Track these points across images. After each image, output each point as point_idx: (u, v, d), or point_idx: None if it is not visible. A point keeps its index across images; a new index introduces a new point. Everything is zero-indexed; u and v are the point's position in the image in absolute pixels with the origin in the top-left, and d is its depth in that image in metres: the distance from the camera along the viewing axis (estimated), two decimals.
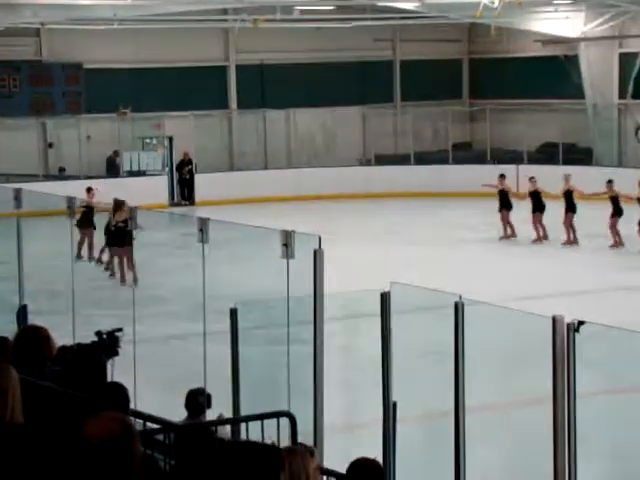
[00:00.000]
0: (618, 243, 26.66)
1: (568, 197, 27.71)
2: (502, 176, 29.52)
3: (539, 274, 23.57)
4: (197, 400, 9.42)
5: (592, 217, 26.90)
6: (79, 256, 22.48)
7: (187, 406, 9.54)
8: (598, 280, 22.97)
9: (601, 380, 13.91)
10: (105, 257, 23.63)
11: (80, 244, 23.25)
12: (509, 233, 28.60)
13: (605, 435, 12.90)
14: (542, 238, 27.97)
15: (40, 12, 29.20)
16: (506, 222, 28.58)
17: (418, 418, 11.36)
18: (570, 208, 27.61)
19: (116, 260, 22.58)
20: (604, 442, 12.82)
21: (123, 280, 22.11)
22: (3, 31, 33.32)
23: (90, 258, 23.87)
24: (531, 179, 28.85)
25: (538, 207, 28.11)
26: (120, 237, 21.55)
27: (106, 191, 25.08)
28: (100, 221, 23.35)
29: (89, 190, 24.83)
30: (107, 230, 22.71)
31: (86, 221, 23.30)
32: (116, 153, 36.44)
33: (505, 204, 28.68)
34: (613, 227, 26.64)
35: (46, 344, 6.73)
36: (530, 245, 27.82)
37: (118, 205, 21.89)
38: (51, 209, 14.27)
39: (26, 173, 32.93)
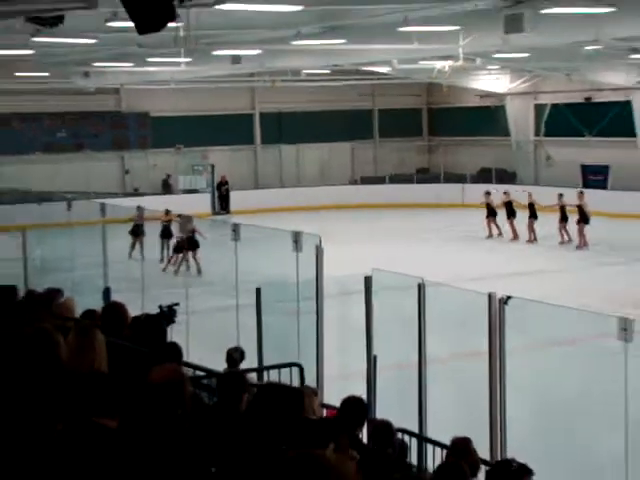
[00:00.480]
0: (566, 241, 26.42)
1: (531, 208, 27.30)
2: (488, 193, 29.06)
3: (486, 262, 23.57)
4: (232, 356, 9.37)
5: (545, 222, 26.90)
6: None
7: (227, 360, 9.51)
8: (529, 265, 22.96)
9: (523, 339, 13.84)
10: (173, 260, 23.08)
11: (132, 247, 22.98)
12: (497, 233, 28.30)
13: (527, 379, 12.85)
14: (515, 237, 27.59)
15: (119, 77, 29.24)
16: (491, 225, 28.32)
17: (392, 367, 11.30)
18: (532, 216, 27.26)
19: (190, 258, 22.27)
20: (527, 384, 12.77)
21: (176, 272, 21.85)
22: (93, 90, 33.43)
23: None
24: (505, 192, 28.50)
25: (511, 213, 27.87)
26: (191, 243, 21.72)
27: (164, 204, 25.06)
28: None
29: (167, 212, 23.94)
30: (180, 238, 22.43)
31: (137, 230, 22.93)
32: (168, 176, 36.44)
33: (491, 213, 28.40)
34: (562, 229, 26.45)
35: (123, 315, 6.72)
36: (491, 241, 27.70)
37: (187, 219, 21.80)
38: (127, 216, 14.24)
39: (109, 192, 32.97)
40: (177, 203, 28.33)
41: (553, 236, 26.86)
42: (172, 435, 4.14)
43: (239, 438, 4.43)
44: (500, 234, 28.09)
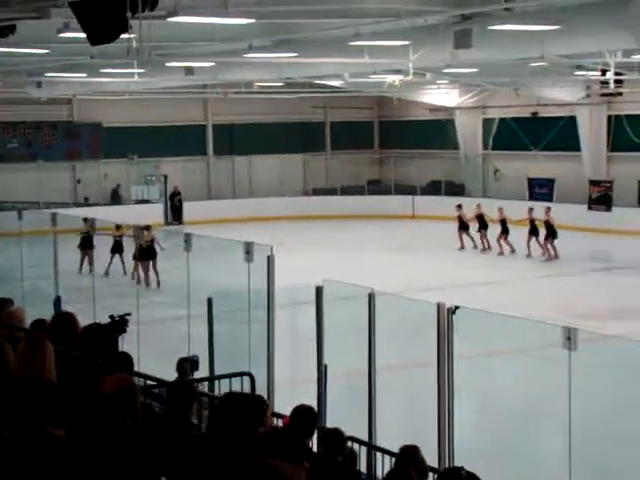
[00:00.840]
0: (532, 254, 26.30)
1: (503, 222, 27.18)
2: (459, 206, 28.95)
3: (437, 272, 23.66)
4: (182, 366, 9.31)
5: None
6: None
7: (177, 370, 9.44)
8: (481, 276, 23.07)
9: (470, 347, 13.94)
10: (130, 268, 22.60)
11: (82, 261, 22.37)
12: (472, 245, 28.03)
13: (475, 387, 12.94)
14: (487, 249, 27.57)
15: (72, 87, 28.99)
16: (462, 237, 28.18)
17: (343, 376, 11.32)
18: (504, 230, 27.19)
19: (141, 270, 21.80)
20: (475, 392, 12.86)
21: (148, 284, 21.47)
22: (45, 100, 33.14)
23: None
24: (477, 205, 28.50)
25: (483, 226, 27.77)
26: (148, 253, 21.36)
27: (114, 214, 24.84)
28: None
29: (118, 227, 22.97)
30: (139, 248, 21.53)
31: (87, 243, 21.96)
32: (118, 186, 36.19)
33: (463, 225, 28.33)
34: (529, 241, 26.36)
35: (73, 324, 6.64)
36: (444, 251, 27.92)
37: (146, 229, 21.37)
38: (77, 227, 14.11)
39: (61, 202, 32.66)
40: (128, 213, 28.15)
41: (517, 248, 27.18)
42: (122, 445, 4.10)
43: (192, 447, 4.40)
44: (475, 247, 27.89)
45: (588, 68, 25.53)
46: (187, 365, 9.27)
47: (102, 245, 21.74)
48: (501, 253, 27.06)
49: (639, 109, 31.22)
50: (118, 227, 22.69)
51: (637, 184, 31.33)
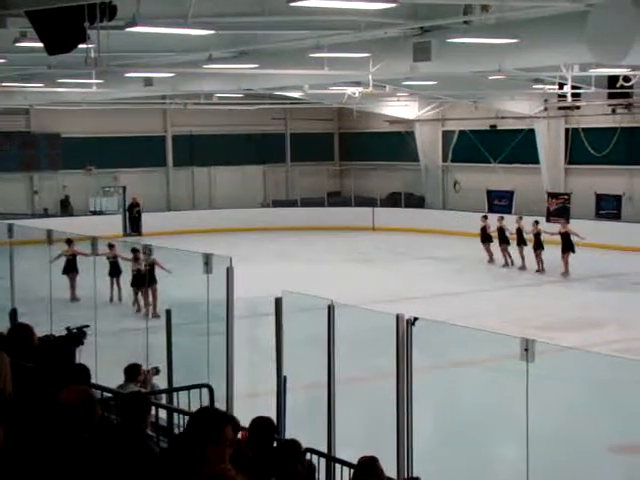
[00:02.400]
0: (540, 269, 25.62)
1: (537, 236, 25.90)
2: (485, 217, 28.05)
3: (395, 284, 23.74)
4: (128, 371, 9.31)
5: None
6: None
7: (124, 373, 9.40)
8: (443, 287, 23.15)
9: (429, 359, 14.04)
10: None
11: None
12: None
13: (433, 397, 13.01)
14: (508, 264, 26.66)
15: (29, 97, 28.75)
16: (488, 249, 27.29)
17: (302, 388, 11.33)
18: (504, 240, 26.71)
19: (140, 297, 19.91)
20: (432, 402, 12.93)
21: (147, 313, 18.97)
22: (2, 110, 32.87)
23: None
24: (499, 218, 27.24)
25: (504, 240, 26.82)
26: (143, 279, 19.26)
27: (64, 226, 24.03)
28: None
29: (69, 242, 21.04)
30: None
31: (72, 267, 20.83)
32: (67, 197, 35.94)
33: (486, 238, 27.26)
34: (538, 256, 25.52)
35: (30, 336, 6.60)
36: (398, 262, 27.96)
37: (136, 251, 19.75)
38: (35, 239, 13.97)
39: (18, 212, 32.37)
40: (84, 225, 27.96)
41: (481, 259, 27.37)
42: (81, 457, 4.09)
43: (148, 459, 4.40)
44: (490, 260, 27.28)
45: (546, 82, 25.83)
46: (131, 372, 9.24)
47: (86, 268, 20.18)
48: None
49: (596, 122, 31.66)
50: (111, 246, 20.72)
51: (594, 196, 31.72)
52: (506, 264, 26.85)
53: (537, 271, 25.45)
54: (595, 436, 11.91)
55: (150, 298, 19.38)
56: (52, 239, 13.17)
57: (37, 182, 36.06)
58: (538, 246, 25.59)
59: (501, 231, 27.05)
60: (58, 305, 14.24)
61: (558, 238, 25.30)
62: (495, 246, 27.19)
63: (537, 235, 25.75)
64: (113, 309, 18.99)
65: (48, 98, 29.14)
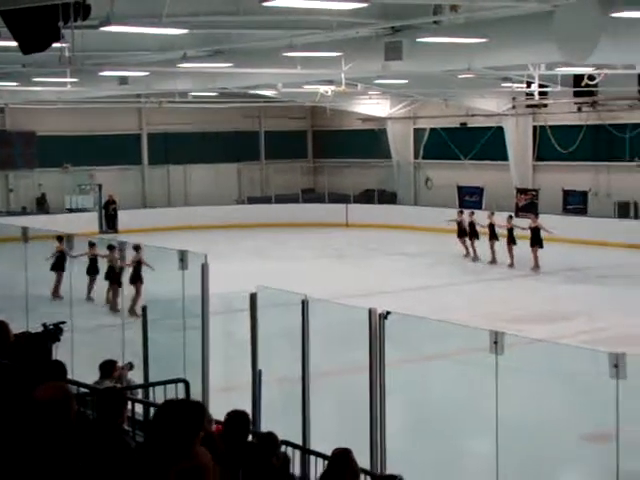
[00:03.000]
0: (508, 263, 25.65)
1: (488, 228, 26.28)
2: (461, 212, 28.17)
3: (368, 279, 23.75)
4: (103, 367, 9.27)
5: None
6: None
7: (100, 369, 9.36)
8: (415, 282, 23.17)
9: (401, 352, 14.06)
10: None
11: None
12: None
13: (405, 390, 13.05)
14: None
15: (4, 95, 28.56)
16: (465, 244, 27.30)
17: (277, 381, 11.33)
18: (474, 235, 26.84)
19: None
20: (405, 394, 12.96)
21: (115, 308, 18.55)
22: None
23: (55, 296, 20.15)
24: (471, 213, 27.48)
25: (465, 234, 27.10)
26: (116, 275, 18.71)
27: (47, 223, 23.86)
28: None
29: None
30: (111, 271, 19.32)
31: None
32: (43, 195, 35.66)
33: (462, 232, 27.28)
34: (510, 251, 25.45)
35: (6, 333, 6.55)
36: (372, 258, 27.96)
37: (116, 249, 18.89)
38: (11, 235, 13.87)
39: None
40: (60, 222, 27.76)
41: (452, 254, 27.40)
42: (58, 452, 4.06)
43: (125, 454, 4.37)
44: (467, 255, 27.25)
45: (514, 80, 25.98)
46: (105, 368, 9.20)
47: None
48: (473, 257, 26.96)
49: (562, 120, 31.86)
50: (91, 245, 20.18)
51: (561, 192, 31.93)
52: (475, 258, 26.98)
53: (509, 265, 25.55)
54: (565, 426, 11.99)
55: (130, 295, 18.32)
56: (28, 237, 13.07)
57: (12, 180, 35.81)
58: (511, 241, 25.67)
59: (472, 225, 27.20)
60: (34, 302, 14.13)
61: (528, 233, 25.43)
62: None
63: (510, 230, 25.86)
64: (89, 306, 18.87)
65: (23, 97, 28.96)
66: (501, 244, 26.02)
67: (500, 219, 26.55)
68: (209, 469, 3.74)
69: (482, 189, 34.10)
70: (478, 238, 27.01)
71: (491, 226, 26.50)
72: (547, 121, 32.56)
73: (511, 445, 8.37)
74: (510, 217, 26.44)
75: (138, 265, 18.51)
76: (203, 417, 4.28)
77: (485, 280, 24.17)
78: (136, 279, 18.50)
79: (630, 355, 7.07)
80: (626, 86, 27.17)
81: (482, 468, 8.70)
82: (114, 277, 19.17)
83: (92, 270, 20.54)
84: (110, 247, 19.69)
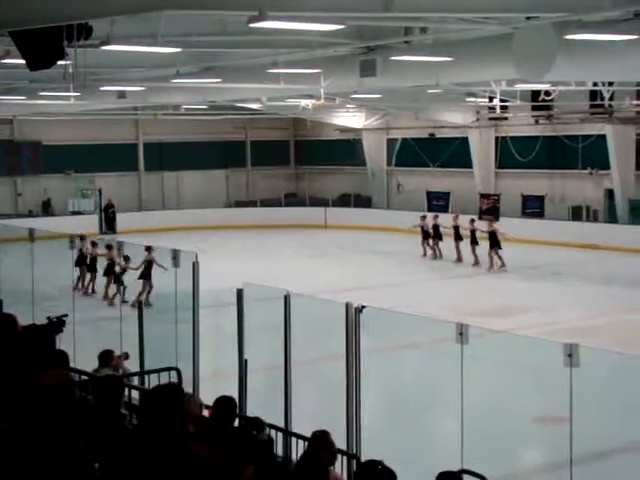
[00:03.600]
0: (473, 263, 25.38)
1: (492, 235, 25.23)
2: (423, 217, 27.80)
3: (345, 276, 23.70)
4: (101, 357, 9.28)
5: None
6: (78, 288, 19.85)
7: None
8: (385, 279, 23.17)
9: (375, 342, 14.10)
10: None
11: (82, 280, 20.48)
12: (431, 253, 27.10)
13: (379, 377, 13.08)
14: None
15: (12, 108, 28.41)
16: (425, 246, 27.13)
17: (261, 370, 11.32)
18: (437, 236, 26.77)
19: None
20: (379, 381, 13.00)
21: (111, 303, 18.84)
22: None
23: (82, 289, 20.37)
24: (454, 217, 27.01)
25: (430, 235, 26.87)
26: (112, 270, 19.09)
27: (52, 225, 23.82)
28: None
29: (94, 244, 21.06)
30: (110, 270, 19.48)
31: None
32: (49, 199, 35.49)
33: (426, 235, 27.07)
34: (473, 251, 25.19)
35: (14, 325, 6.52)
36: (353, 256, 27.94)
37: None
38: (19, 236, 13.79)
39: (2, 213, 31.93)
40: (64, 224, 27.58)
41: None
42: (63, 436, 4.05)
43: (122, 436, 4.37)
44: (435, 257, 27.04)
45: (478, 95, 26.08)
46: (102, 357, 9.20)
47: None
48: (435, 257, 26.94)
49: (521, 131, 32.01)
50: (109, 247, 19.87)
51: (520, 197, 32.08)
52: (440, 257, 27.01)
53: (474, 265, 25.64)
54: (522, 410, 12.07)
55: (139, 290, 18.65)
56: (34, 237, 13.01)
57: (20, 186, 35.61)
58: (473, 241, 25.71)
59: (436, 228, 27.20)
60: (40, 297, 14.05)
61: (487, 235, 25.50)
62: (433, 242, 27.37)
63: (473, 232, 25.94)
64: (89, 300, 18.78)
65: (30, 109, 28.78)
66: (465, 244, 26.11)
67: (464, 221, 26.66)
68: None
69: (449, 194, 34.20)
70: (442, 240, 27.05)
71: (456, 228, 26.57)
72: (508, 132, 32.70)
73: (474, 426, 8.43)
74: (472, 220, 26.45)
75: (149, 264, 18.56)
76: (182, 399, 4.26)
77: (451, 277, 24.25)
78: (146, 276, 18.58)
79: (582, 346, 7.13)
80: (579, 101, 27.34)
81: (448, 447, 8.75)
82: (112, 274, 19.17)
83: (92, 268, 20.50)
84: (108, 246, 19.69)
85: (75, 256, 19.52)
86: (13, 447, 3.91)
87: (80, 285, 20.66)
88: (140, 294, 18.15)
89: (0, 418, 4.05)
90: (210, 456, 3.45)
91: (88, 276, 20.83)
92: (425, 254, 27.43)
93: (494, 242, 25.00)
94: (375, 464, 4.77)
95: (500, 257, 24.96)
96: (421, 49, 15.07)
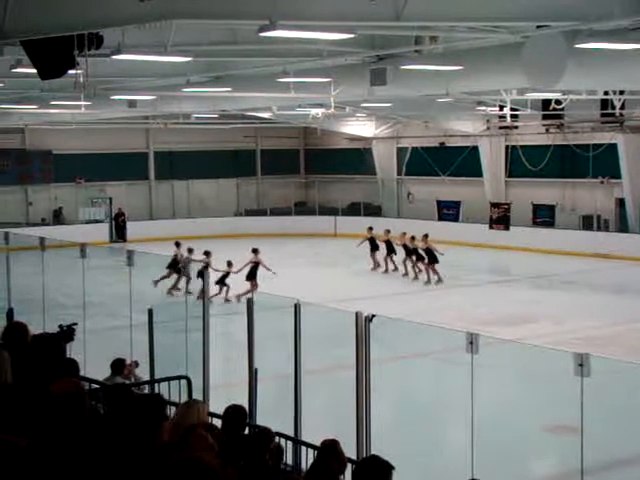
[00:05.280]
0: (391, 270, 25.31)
1: (389, 244, 25.91)
2: (371, 228, 27.39)
3: (355, 284, 23.72)
4: (114, 365, 9.34)
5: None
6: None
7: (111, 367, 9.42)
8: (391, 289, 23.17)
9: (385, 351, 14.07)
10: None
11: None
12: (376, 266, 26.45)
13: (389, 386, 13.06)
14: (376, 267, 26.22)
15: (24, 117, 28.54)
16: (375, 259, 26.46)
17: (271, 379, 11.32)
18: (391, 251, 25.96)
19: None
20: (388, 390, 12.98)
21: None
22: None
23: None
24: (386, 231, 26.65)
25: (391, 251, 25.99)
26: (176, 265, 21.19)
27: (65, 234, 24.04)
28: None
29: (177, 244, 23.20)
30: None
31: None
32: (60, 208, 35.63)
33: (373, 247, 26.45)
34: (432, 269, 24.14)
35: (25, 333, 6.54)
36: (358, 268, 27.89)
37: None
38: (30, 245, 13.84)
39: (14, 222, 32.04)
40: (76, 232, 27.71)
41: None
42: (76, 445, 4.05)
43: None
44: (378, 266, 26.35)
45: (488, 104, 26.07)
46: (115, 366, 9.28)
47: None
48: (387, 271, 26.01)
49: (532, 140, 31.99)
50: (207, 254, 21.56)
51: (531, 206, 32.02)
52: (391, 270, 25.91)
53: (437, 281, 23.96)
54: (532, 419, 12.02)
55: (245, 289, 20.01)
56: (45, 246, 13.05)
57: (31, 194, 35.76)
58: (432, 260, 24.00)
59: (389, 243, 26.10)
60: (50, 305, 14.08)
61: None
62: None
63: (389, 242, 25.02)
64: (100, 308, 18.82)
65: (41, 118, 28.94)
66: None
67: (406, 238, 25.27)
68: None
69: (459, 203, 34.17)
70: (396, 253, 25.79)
71: (404, 245, 25.31)
72: (518, 141, 32.67)
73: (485, 435, 8.39)
74: (425, 236, 24.71)
75: (256, 265, 21.43)
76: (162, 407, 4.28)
77: (461, 286, 24.18)
78: (251, 277, 21.02)
79: (593, 355, 7.10)
80: (589, 109, 27.31)
81: (458, 456, 8.72)
82: (176, 267, 21.18)
83: (180, 270, 21.97)
84: (206, 253, 21.49)
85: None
86: (26, 456, 3.91)
87: (176, 286, 21.67)
88: (246, 292, 19.07)
89: (12, 427, 4.06)
90: (215, 463, 3.45)
91: (182, 279, 21.50)
92: (376, 268, 26.07)
93: (432, 258, 24.00)
94: (373, 459, 4.85)
95: (437, 272, 23.88)
96: (431, 58, 15.09)
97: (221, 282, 20.73)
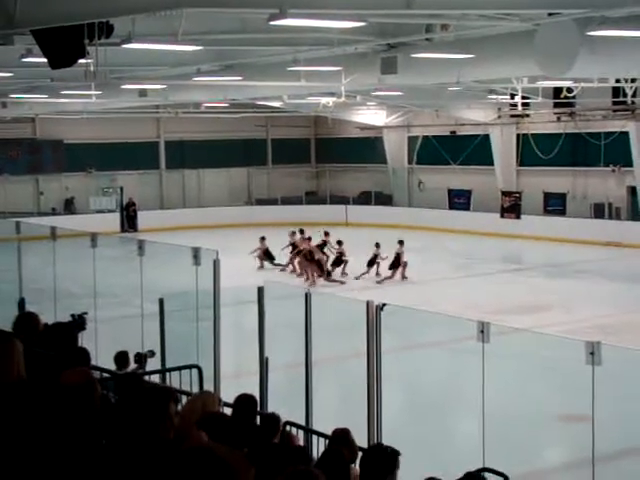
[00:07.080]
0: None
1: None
2: (293, 233, 25.88)
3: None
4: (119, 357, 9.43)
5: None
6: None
7: (135, 361, 9.45)
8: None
9: (396, 340, 14.07)
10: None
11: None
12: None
13: (400, 375, 13.06)
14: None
15: (34, 107, 28.60)
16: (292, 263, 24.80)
17: (282, 368, 11.34)
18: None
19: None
20: (399, 379, 12.98)
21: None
22: (10, 119, 32.68)
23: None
24: (294, 233, 25.52)
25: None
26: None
27: (76, 223, 24.12)
28: None
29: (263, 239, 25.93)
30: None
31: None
32: (72, 197, 35.76)
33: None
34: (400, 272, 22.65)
35: (36, 323, 6.56)
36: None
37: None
38: (41, 234, 13.87)
39: (25, 211, 32.16)
40: (87, 222, 27.77)
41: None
42: (87, 434, 4.06)
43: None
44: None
45: (499, 92, 25.96)
46: (122, 358, 9.35)
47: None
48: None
49: (543, 129, 31.83)
50: (301, 232, 24.96)
51: (542, 194, 31.90)
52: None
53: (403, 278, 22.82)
54: (544, 408, 12.00)
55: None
56: (56, 235, 13.09)
57: (42, 184, 35.88)
58: (400, 265, 22.69)
59: (322, 246, 24.64)
60: (62, 294, 14.14)
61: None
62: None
63: (324, 244, 24.29)
64: (110, 298, 18.85)
65: (52, 108, 28.99)
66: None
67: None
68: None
69: (470, 192, 34.08)
70: (328, 258, 24.17)
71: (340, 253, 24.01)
72: (529, 130, 32.50)
73: (496, 424, 8.39)
74: (401, 242, 23.08)
75: (399, 256, 22.49)
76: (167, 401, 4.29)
77: (473, 275, 24.15)
78: (395, 265, 22.34)
79: (605, 344, 7.08)
80: (601, 97, 27.15)
81: (470, 445, 8.72)
82: (342, 264, 23.58)
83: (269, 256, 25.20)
84: (339, 242, 24.00)
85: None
86: (35, 444, 3.93)
87: (290, 268, 24.38)
88: (388, 277, 22.03)
89: (22, 416, 4.07)
90: (228, 454, 3.45)
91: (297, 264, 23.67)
92: (301, 274, 23.54)
93: (395, 264, 22.64)
94: (380, 447, 4.86)
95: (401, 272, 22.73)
96: (442, 46, 15.03)
97: (371, 264, 22.91)
